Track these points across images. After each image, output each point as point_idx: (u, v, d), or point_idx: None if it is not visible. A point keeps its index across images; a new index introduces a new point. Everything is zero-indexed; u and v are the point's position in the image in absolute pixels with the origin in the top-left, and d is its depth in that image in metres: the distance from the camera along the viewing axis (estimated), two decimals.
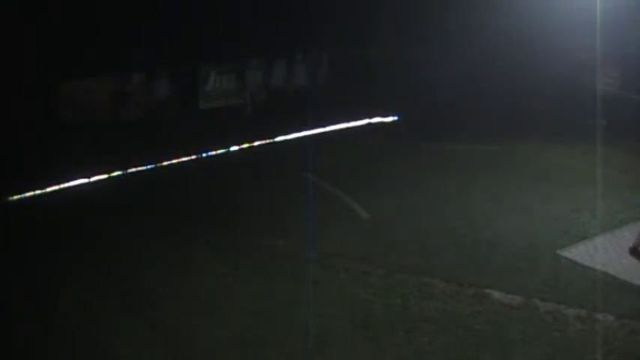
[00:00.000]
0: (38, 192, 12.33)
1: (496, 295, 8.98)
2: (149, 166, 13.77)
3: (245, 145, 15.12)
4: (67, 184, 12.68)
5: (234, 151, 14.93)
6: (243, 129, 15.19)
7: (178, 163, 14.21)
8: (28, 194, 12.21)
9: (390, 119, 17.12)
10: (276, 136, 15.75)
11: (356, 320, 8.41)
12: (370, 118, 17.14)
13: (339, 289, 9.12)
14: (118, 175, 13.35)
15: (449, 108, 16.90)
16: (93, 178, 13.04)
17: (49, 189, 12.46)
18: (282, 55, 16.77)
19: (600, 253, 10.15)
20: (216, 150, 14.74)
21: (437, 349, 7.88)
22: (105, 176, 13.21)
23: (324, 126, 16.35)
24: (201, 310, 8.64)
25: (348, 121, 16.84)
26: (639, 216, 11.25)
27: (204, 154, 14.56)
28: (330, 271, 9.55)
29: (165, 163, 14.01)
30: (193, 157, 14.47)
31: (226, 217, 11.37)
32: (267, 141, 15.54)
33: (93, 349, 7.89)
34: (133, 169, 13.57)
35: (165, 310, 8.66)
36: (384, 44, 17.99)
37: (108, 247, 10.28)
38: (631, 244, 10.14)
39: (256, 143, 15.34)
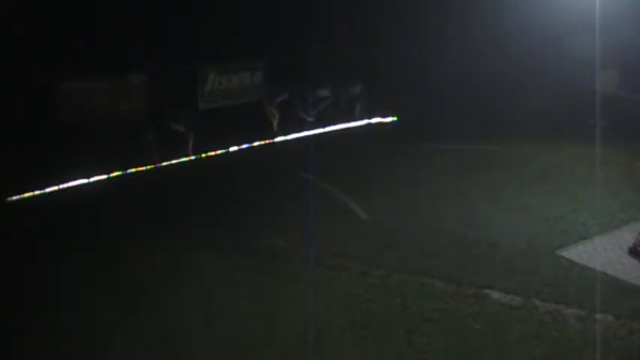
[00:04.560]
0: (38, 192, 12.34)
1: (495, 295, 8.99)
2: (148, 167, 13.79)
3: (244, 146, 15.13)
4: (66, 185, 12.70)
5: (233, 152, 14.94)
6: (242, 129, 15.17)
7: (178, 163, 14.23)
8: (27, 195, 12.23)
9: (389, 119, 17.13)
10: (276, 136, 15.77)
11: (355, 320, 8.41)
12: (369, 118, 17.15)
13: (339, 290, 9.12)
14: (117, 176, 13.37)
15: (449, 108, 16.90)
16: (92, 179, 13.06)
17: (48, 189, 12.47)
18: (284, 54, 16.74)
19: (599, 253, 10.15)
20: (215, 150, 14.75)
21: (436, 350, 7.88)
22: (104, 176, 13.22)
23: (323, 126, 16.37)
24: (200, 310, 8.64)
25: (347, 121, 16.86)
26: (638, 216, 11.26)
27: (203, 155, 14.58)
28: (330, 271, 9.55)
29: (164, 164, 14.03)
30: (192, 157, 14.49)
31: (226, 217, 11.38)
32: (267, 141, 15.55)
33: (92, 349, 7.89)
34: (133, 170, 13.59)
35: (164, 310, 8.67)
36: (383, 44, 18.00)
37: (107, 247, 10.29)
38: (630, 244, 10.15)
39: (256, 144, 15.35)
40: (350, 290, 9.10)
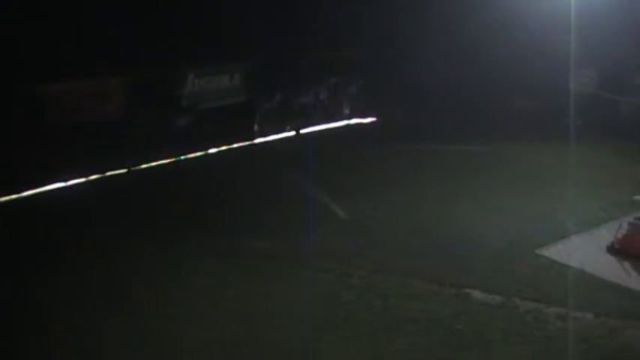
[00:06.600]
0: (29, 193, 12.25)
1: (477, 294, 9.03)
2: (130, 169, 13.72)
3: (225, 147, 15.09)
4: (50, 187, 12.61)
5: (215, 153, 14.89)
6: (224, 131, 15.14)
7: (159, 165, 14.16)
8: (24, 195, 12.14)
9: (370, 120, 17.16)
10: (257, 138, 15.76)
11: (337, 321, 8.40)
12: (351, 119, 17.18)
13: (321, 290, 9.11)
14: (105, 177, 13.28)
15: (432, 109, 16.96)
16: (79, 180, 12.96)
17: (37, 190, 12.39)
18: (265, 56, 16.71)
19: (578, 251, 10.23)
20: (197, 152, 14.70)
21: (418, 350, 7.89)
22: (95, 177, 13.13)
23: (305, 127, 16.38)
24: (186, 312, 8.61)
25: (329, 122, 16.88)
26: (617, 215, 11.35)
27: (184, 157, 14.52)
28: (312, 272, 9.54)
29: (145, 166, 13.95)
30: (174, 159, 14.42)
31: (210, 219, 11.35)
32: (248, 143, 15.53)
33: (80, 351, 7.82)
34: (121, 171, 13.51)
35: (151, 312, 8.62)
36: (365, 45, 18.01)
37: (95, 248, 10.22)
38: (608, 243, 10.24)
39: (235, 145, 15.31)
40: (331, 291, 9.10)
